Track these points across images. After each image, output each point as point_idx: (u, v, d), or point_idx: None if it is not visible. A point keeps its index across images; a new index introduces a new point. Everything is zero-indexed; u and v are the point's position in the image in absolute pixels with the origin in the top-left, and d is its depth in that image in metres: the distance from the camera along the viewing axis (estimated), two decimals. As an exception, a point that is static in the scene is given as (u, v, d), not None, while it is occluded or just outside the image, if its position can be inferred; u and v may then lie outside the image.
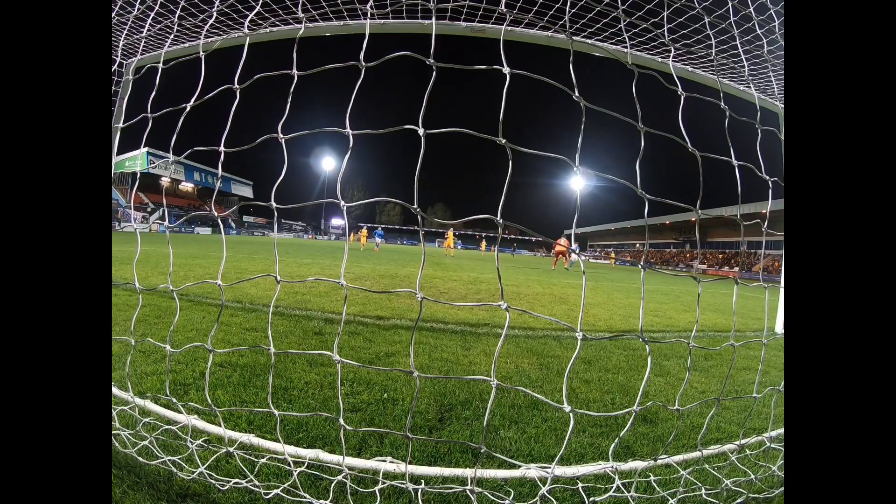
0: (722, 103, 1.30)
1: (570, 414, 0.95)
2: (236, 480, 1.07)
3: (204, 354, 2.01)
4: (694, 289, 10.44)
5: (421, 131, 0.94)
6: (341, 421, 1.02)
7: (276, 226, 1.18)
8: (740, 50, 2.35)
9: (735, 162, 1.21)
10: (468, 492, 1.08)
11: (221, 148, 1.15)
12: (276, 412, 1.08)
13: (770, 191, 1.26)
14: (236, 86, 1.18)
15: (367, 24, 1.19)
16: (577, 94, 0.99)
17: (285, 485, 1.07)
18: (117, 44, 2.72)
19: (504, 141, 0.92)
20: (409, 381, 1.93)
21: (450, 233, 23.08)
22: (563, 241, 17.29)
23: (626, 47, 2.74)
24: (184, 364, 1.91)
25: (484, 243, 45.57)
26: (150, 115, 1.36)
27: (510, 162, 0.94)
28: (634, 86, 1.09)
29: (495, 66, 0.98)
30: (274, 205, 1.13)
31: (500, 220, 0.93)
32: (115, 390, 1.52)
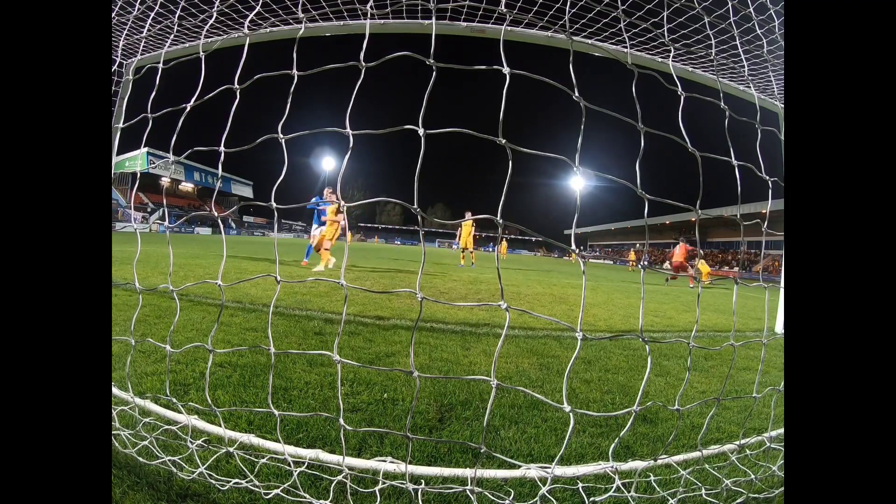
0: (722, 103, 1.30)
1: (571, 414, 0.95)
2: (236, 480, 1.07)
3: (204, 354, 2.01)
4: (693, 288, 10.44)
5: (421, 131, 0.94)
6: (341, 421, 1.02)
7: (276, 226, 1.18)
8: (740, 50, 2.35)
9: (735, 162, 1.21)
10: (468, 492, 1.08)
11: (222, 148, 1.15)
12: (276, 412, 1.08)
13: (770, 191, 1.26)
14: (236, 86, 1.18)
15: (367, 24, 1.19)
16: (576, 94, 0.99)
17: (285, 485, 1.07)
18: (117, 44, 2.72)
19: (504, 141, 0.92)
20: (409, 381, 1.93)
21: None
22: (679, 249, 12.00)
23: (625, 47, 2.74)
24: (184, 364, 1.91)
25: (505, 244, 35.52)
26: (149, 115, 1.36)
27: (510, 162, 0.93)
28: (634, 86, 1.09)
29: (495, 66, 0.98)
30: (274, 205, 1.13)
31: (500, 220, 0.93)
32: (115, 390, 1.52)
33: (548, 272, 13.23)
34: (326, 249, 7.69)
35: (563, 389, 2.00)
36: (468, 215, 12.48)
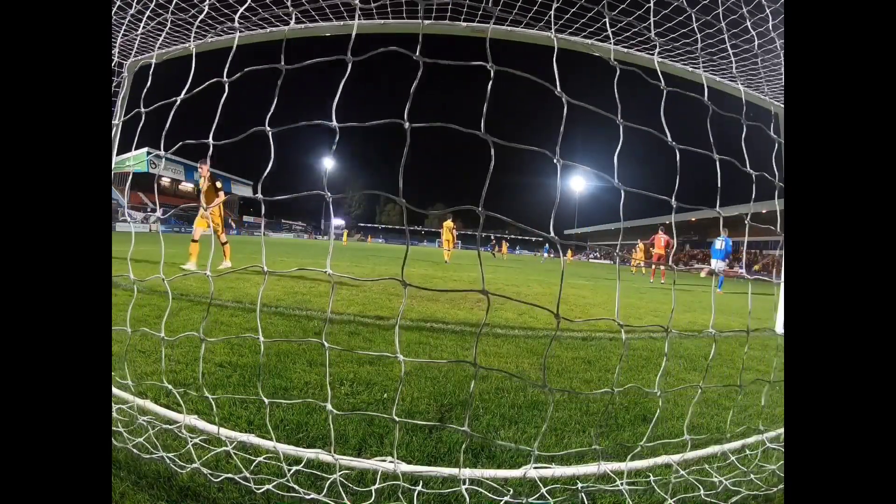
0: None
1: (550, 395, 0.95)
2: (236, 480, 1.07)
3: (204, 355, 2.01)
4: (693, 289, 10.44)
5: (406, 125, 0.97)
6: (329, 406, 1.02)
7: (262, 218, 1.20)
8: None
9: (716, 156, 1.21)
10: (466, 492, 1.08)
11: (210, 141, 1.16)
12: (265, 399, 1.08)
13: (754, 186, 1.27)
14: (225, 79, 1.19)
15: (355, 23, 1.20)
16: (558, 89, 1.00)
17: (280, 480, 1.06)
18: (115, 43, 2.72)
19: (486, 135, 0.95)
20: (409, 380, 1.93)
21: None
22: (662, 237, 11.78)
23: (627, 48, 2.73)
24: (184, 364, 1.91)
25: (506, 245, 36.40)
26: (142, 110, 1.36)
27: (493, 154, 0.96)
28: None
29: (480, 63, 0.99)
30: (261, 196, 1.15)
31: (482, 211, 0.95)
32: (115, 390, 1.52)
33: (548, 272, 13.24)
34: (195, 241, 6.05)
35: (561, 386, 2.00)
36: (450, 218, 14.20)
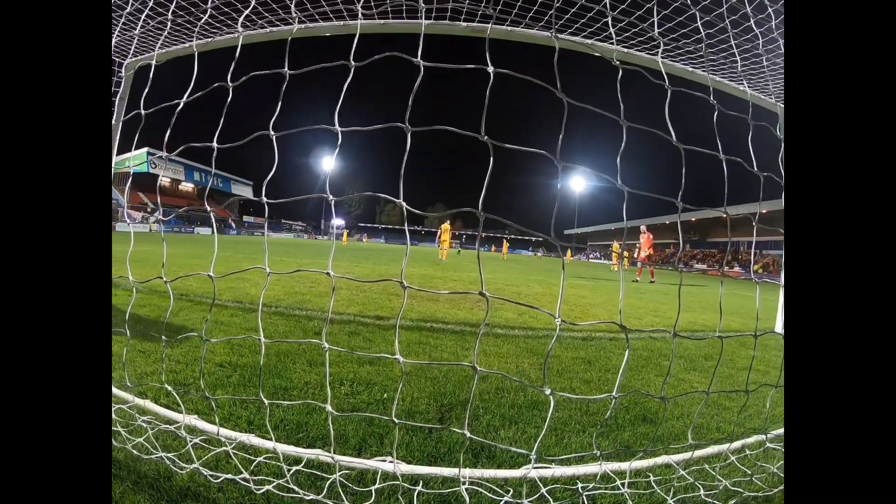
0: (711, 98, 1.30)
1: (551, 397, 0.95)
2: (236, 481, 1.07)
3: (204, 355, 2.01)
4: (693, 290, 10.44)
5: (406, 128, 0.97)
6: (328, 408, 1.02)
7: (265, 219, 1.21)
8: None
9: (722, 156, 1.21)
10: (466, 492, 1.08)
11: (215, 144, 1.16)
12: (266, 401, 1.08)
13: (761, 185, 1.27)
14: (229, 83, 1.19)
15: (358, 24, 1.20)
16: (559, 90, 1.00)
17: (279, 481, 1.06)
18: (116, 43, 2.72)
19: (486, 137, 0.95)
20: (409, 381, 1.93)
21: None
22: (645, 233, 11.89)
23: (626, 46, 2.73)
24: (184, 364, 1.91)
25: (506, 245, 35.33)
26: (142, 111, 1.36)
27: (492, 157, 0.97)
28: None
29: (480, 66, 1.00)
30: (265, 199, 1.15)
31: (481, 213, 0.95)
32: (115, 390, 1.52)
33: (548, 272, 13.23)
34: None
35: (560, 386, 2.00)
36: (448, 221, 15.61)
